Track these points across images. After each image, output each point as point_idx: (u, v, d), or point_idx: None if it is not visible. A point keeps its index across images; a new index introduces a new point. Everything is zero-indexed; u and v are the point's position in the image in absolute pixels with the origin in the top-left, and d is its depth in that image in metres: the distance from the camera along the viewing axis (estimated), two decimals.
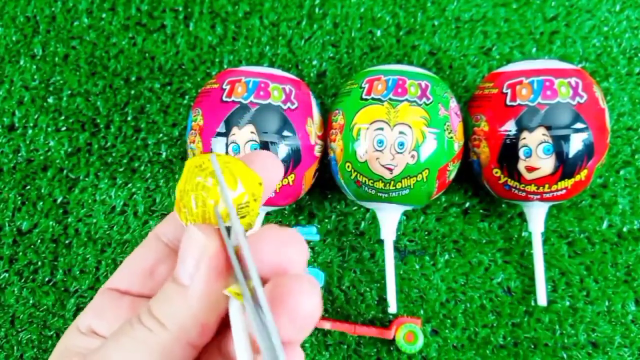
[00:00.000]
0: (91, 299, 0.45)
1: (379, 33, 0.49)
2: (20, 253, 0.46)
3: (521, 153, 0.38)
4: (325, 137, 0.41)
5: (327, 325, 0.42)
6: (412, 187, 0.38)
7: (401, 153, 0.37)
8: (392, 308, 0.41)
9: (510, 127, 0.38)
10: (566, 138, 0.37)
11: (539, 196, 0.39)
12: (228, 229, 0.19)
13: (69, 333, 0.22)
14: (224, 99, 0.38)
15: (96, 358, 0.19)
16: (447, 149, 0.38)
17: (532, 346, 0.43)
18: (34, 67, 0.49)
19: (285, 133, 0.38)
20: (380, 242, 0.44)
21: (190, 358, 0.19)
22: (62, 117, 0.48)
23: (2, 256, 0.46)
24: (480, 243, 0.45)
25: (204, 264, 0.18)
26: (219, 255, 0.19)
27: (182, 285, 0.18)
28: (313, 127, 0.40)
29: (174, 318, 0.18)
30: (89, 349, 0.20)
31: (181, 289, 0.18)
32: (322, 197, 0.46)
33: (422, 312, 0.44)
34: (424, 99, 0.38)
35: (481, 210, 0.45)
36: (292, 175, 0.39)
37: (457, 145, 0.39)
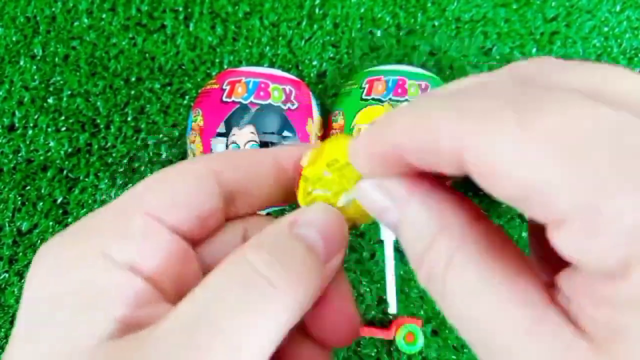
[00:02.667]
0: None
1: (379, 33, 0.49)
2: (20, 253, 0.46)
3: None
4: (325, 138, 0.41)
5: None
6: None
7: None
8: (392, 309, 0.41)
9: None
10: None
11: None
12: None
13: (85, 261, 0.14)
14: (224, 99, 0.38)
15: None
16: None
17: None
18: (34, 67, 0.49)
19: (286, 133, 0.38)
20: (380, 242, 0.44)
21: None
22: (62, 118, 0.48)
23: (2, 256, 0.46)
24: None
25: (339, 257, 0.17)
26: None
27: (317, 255, 0.16)
28: (313, 127, 0.40)
29: (304, 292, 0.15)
30: (135, 289, 0.14)
31: (315, 260, 0.16)
32: None
33: (422, 312, 0.44)
34: None
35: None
36: None
37: None
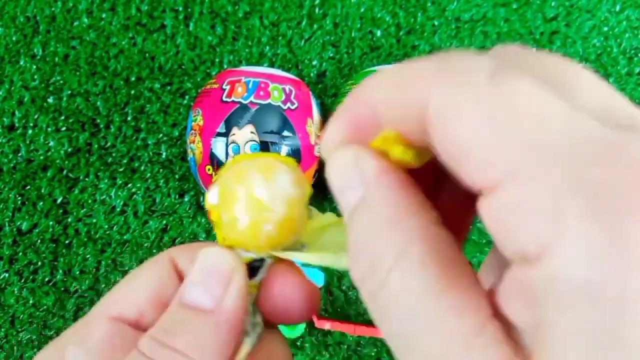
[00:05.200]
0: (91, 299, 0.46)
1: (379, 33, 0.49)
2: (20, 253, 0.46)
3: None
4: None
5: (327, 325, 0.42)
6: None
7: None
8: None
9: None
10: None
11: None
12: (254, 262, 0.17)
13: None
14: (224, 99, 0.38)
15: None
16: None
17: None
18: (34, 67, 0.49)
19: (285, 133, 0.38)
20: None
21: None
22: (62, 117, 0.48)
23: (2, 256, 0.46)
24: (481, 243, 0.45)
25: (234, 286, 0.16)
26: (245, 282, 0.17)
27: (204, 310, 0.16)
28: (313, 127, 0.40)
29: (202, 349, 0.15)
30: None
31: (203, 315, 0.16)
32: (322, 197, 0.46)
33: None
34: None
35: None
36: None
37: None
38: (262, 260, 0.17)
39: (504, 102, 0.11)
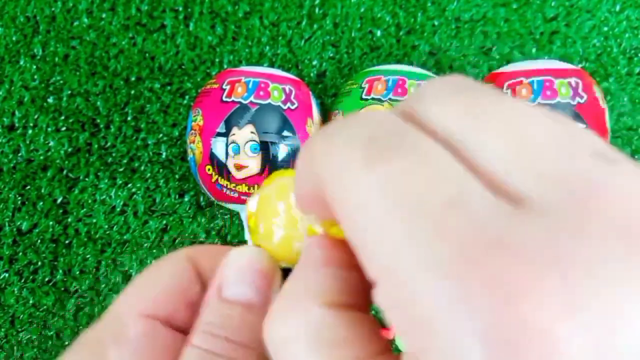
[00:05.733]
0: (91, 299, 0.46)
1: (379, 33, 0.49)
2: (20, 253, 0.46)
3: None
4: None
5: None
6: None
7: None
8: None
9: None
10: None
11: None
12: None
13: None
14: (224, 99, 0.38)
15: None
16: None
17: None
18: (34, 67, 0.49)
19: (285, 133, 0.38)
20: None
21: None
22: (62, 117, 0.48)
23: (2, 256, 0.46)
24: None
25: (277, 285, 0.17)
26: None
27: (251, 305, 0.16)
28: (313, 127, 0.40)
29: (260, 343, 0.15)
30: None
31: (251, 310, 0.16)
32: None
33: None
34: None
35: None
36: None
37: None
38: (289, 270, 0.18)
39: (377, 185, 0.10)
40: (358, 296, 0.13)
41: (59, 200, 0.46)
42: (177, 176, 0.46)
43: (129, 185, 0.46)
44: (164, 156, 0.47)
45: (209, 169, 0.39)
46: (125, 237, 0.46)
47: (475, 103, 0.11)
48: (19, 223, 0.46)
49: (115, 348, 0.16)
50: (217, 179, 0.39)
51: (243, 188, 0.39)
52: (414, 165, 0.10)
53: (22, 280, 0.45)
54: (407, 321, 0.10)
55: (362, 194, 0.10)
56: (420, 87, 0.13)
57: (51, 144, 0.47)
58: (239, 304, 0.16)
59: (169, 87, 0.48)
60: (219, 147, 0.38)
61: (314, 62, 0.48)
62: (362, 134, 0.11)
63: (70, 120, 0.48)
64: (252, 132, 0.37)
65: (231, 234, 0.46)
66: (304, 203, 0.14)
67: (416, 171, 0.10)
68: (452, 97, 0.11)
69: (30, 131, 0.48)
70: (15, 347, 0.44)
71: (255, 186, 0.39)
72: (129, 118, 0.48)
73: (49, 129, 0.47)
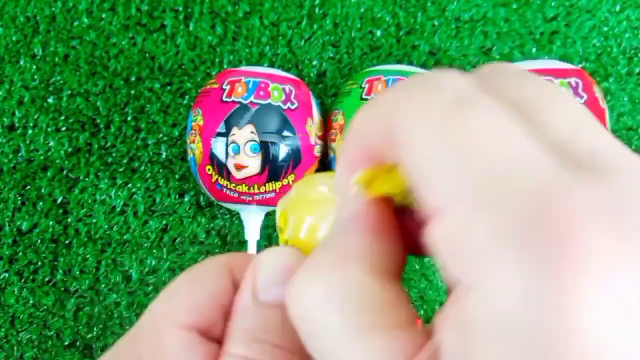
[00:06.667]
0: (91, 299, 0.46)
1: (379, 33, 0.49)
2: (20, 253, 0.46)
3: None
4: (325, 137, 0.41)
5: None
6: None
7: None
8: None
9: None
10: None
11: None
12: None
13: None
14: (224, 99, 0.38)
15: None
16: None
17: None
18: (34, 67, 0.49)
19: (285, 133, 0.38)
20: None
21: None
22: (62, 117, 0.48)
23: (2, 256, 0.46)
24: None
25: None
26: None
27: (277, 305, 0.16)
28: (313, 127, 0.40)
29: (302, 347, 0.15)
30: None
31: (277, 310, 0.16)
32: None
33: (422, 312, 0.44)
34: None
35: None
36: (292, 176, 0.39)
37: None
38: None
39: (458, 131, 0.11)
40: (393, 266, 0.13)
41: (59, 200, 0.46)
42: (177, 176, 0.46)
43: (129, 185, 0.46)
44: (164, 156, 0.47)
45: (209, 169, 0.39)
46: (125, 237, 0.46)
47: (542, 82, 0.13)
48: (19, 223, 0.46)
49: None
50: (217, 179, 0.39)
51: (243, 188, 0.39)
52: (487, 123, 0.11)
53: (22, 280, 0.45)
54: (457, 254, 0.10)
55: (438, 138, 0.11)
56: (493, 65, 0.14)
57: (51, 144, 0.47)
58: (278, 306, 0.16)
59: (169, 87, 0.48)
60: (219, 147, 0.38)
61: (314, 62, 0.48)
62: (444, 88, 0.12)
63: (70, 120, 0.48)
64: (252, 132, 0.37)
65: (231, 234, 0.46)
66: (351, 159, 0.14)
67: (489, 128, 0.11)
68: (523, 75, 0.13)
69: (30, 131, 0.48)
70: (15, 347, 0.44)
71: (255, 186, 0.39)
72: (129, 118, 0.48)
73: (49, 129, 0.47)
